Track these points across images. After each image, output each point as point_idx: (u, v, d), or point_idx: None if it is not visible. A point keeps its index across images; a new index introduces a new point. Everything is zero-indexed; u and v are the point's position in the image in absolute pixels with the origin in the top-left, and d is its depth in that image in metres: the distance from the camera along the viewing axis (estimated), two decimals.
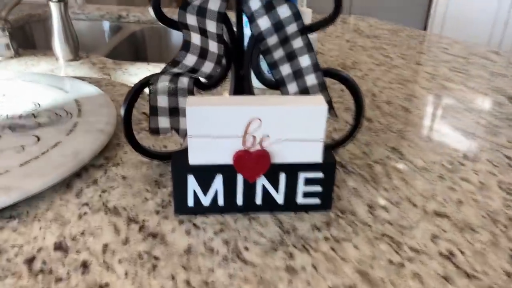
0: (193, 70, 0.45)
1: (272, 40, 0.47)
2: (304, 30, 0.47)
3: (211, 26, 0.46)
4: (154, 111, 0.46)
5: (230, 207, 0.45)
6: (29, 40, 1.10)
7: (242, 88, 0.54)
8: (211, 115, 0.40)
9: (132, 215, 0.45)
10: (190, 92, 0.46)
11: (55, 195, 0.48)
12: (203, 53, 0.44)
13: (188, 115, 0.40)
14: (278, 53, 0.48)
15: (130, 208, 0.46)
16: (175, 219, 0.45)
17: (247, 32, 0.51)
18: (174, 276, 0.38)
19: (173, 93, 0.46)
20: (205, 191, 0.44)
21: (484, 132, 0.64)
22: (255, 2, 0.46)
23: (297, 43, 0.48)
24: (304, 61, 0.48)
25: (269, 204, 0.45)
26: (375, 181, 0.52)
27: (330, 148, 0.50)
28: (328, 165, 0.44)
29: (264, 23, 0.46)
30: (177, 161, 0.43)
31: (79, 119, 0.58)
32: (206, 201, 0.45)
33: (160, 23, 0.45)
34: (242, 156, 0.42)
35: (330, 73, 0.50)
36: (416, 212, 0.47)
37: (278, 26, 0.46)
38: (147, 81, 0.46)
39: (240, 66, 0.53)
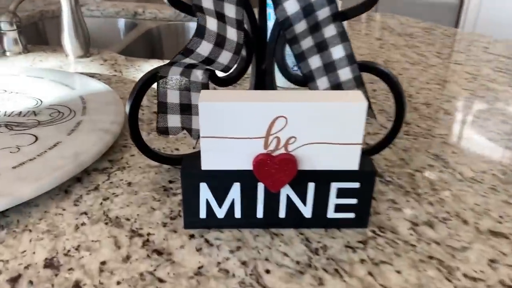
0: (208, 60, 0.38)
1: (300, 26, 0.41)
2: (338, 16, 0.41)
3: (230, 10, 0.39)
4: (163, 108, 0.40)
5: (248, 220, 0.39)
6: (42, 37, 1.06)
7: (263, 85, 0.48)
8: (228, 112, 0.34)
9: (136, 227, 0.39)
10: (205, 87, 0.40)
11: (51, 202, 0.42)
12: (220, 41, 0.38)
13: (201, 111, 0.34)
14: (307, 43, 0.41)
15: (134, 219, 0.40)
16: (184, 234, 0.38)
17: (270, 25, 0.45)
18: None
19: (185, 88, 0.40)
20: (220, 201, 0.38)
21: None
22: None
23: (329, 31, 0.41)
24: (337, 52, 0.41)
25: (295, 219, 0.39)
26: (417, 193, 0.45)
27: (367, 154, 0.43)
28: (366, 174, 0.37)
29: (291, 6, 0.40)
30: (188, 166, 0.37)
31: (83, 117, 0.52)
32: (221, 213, 0.38)
33: (176, 15, 0.39)
34: (263, 161, 0.35)
35: (366, 67, 0.43)
36: (468, 231, 0.40)
37: (308, 10, 0.40)
38: (155, 73, 0.40)
39: (262, 59, 0.46)
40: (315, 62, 0.42)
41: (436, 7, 2.11)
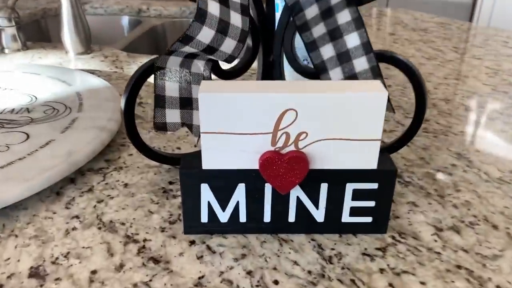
0: (210, 49, 0.35)
1: (312, 11, 0.37)
2: (352, 0, 0.37)
3: None
4: (160, 102, 0.36)
5: (255, 225, 0.35)
6: (44, 35, 1.03)
7: (271, 78, 0.44)
8: (231, 105, 0.30)
9: (131, 232, 0.36)
10: (207, 80, 0.37)
11: (41, 205, 0.39)
12: (223, 27, 0.34)
13: (201, 104, 0.30)
14: (319, 30, 0.38)
15: (130, 223, 0.37)
16: (184, 240, 0.35)
17: (278, 16, 0.41)
18: None
19: (185, 80, 0.37)
20: (223, 204, 0.34)
21: None
22: None
23: (343, 16, 0.37)
24: (352, 40, 0.38)
25: (306, 223, 0.35)
26: (441, 195, 0.41)
27: (386, 152, 0.39)
28: (386, 174, 0.33)
29: None
30: (187, 166, 0.33)
31: (79, 115, 0.49)
32: (224, 217, 0.35)
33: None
34: (271, 160, 0.32)
35: (383, 56, 0.39)
36: (499, 237, 0.36)
37: None
38: (153, 65, 0.36)
39: (269, 50, 0.43)
40: (327, 51, 0.39)
41: (449, 4, 2.06)
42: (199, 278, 0.32)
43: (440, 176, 0.44)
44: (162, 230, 0.36)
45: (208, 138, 0.32)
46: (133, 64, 0.71)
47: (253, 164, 0.33)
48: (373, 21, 0.99)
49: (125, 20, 1.07)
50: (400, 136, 0.42)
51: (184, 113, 0.37)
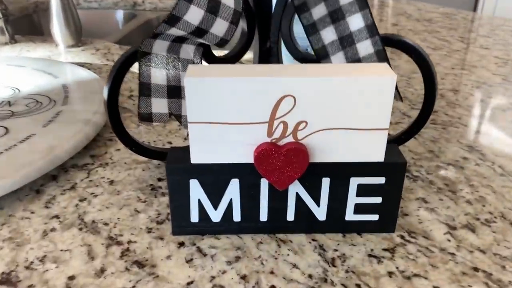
0: (200, 31, 0.32)
1: None
2: None
3: None
4: (145, 90, 0.33)
5: (250, 225, 0.32)
6: (36, 29, 1.00)
7: None
8: (222, 91, 0.27)
9: (115, 233, 0.33)
10: None
11: (18, 204, 0.36)
12: (213, 6, 0.31)
13: (188, 90, 0.27)
14: (319, 11, 0.35)
15: (114, 223, 0.34)
16: (172, 241, 0.32)
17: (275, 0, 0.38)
18: None
19: (173, 67, 0.33)
20: (215, 202, 0.31)
21: None
22: None
23: None
24: (355, 22, 0.34)
25: (306, 222, 0.32)
26: (453, 190, 0.38)
27: (394, 143, 0.36)
28: (394, 167, 0.30)
29: None
30: (175, 160, 0.30)
31: (63, 108, 0.46)
32: (216, 216, 0.32)
33: None
34: (267, 152, 0.29)
35: (390, 40, 0.36)
36: None
37: None
38: (137, 51, 0.33)
39: (266, 35, 0.40)
40: (328, 34, 0.35)
41: None
42: (188, 283, 0.28)
43: (451, 170, 0.40)
44: (149, 231, 0.33)
45: (197, 129, 0.28)
46: None
47: (247, 157, 0.29)
48: (375, 12, 0.96)
49: (119, 14, 1.04)
50: (408, 127, 0.39)
51: (172, 102, 0.34)
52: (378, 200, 0.31)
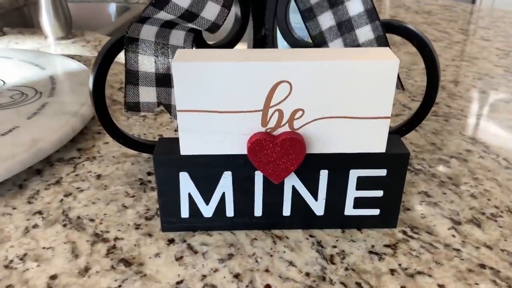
0: (190, 15, 0.30)
1: None
2: None
3: None
4: (132, 78, 0.31)
5: (244, 220, 0.30)
6: (27, 22, 0.98)
7: None
8: (212, 77, 0.25)
9: (101, 229, 0.31)
10: None
11: None
12: None
13: (176, 75, 0.25)
14: None
15: (100, 219, 0.32)
16: (161, 238, 0.30)
17: None
18: None
19: (162, 53, 0.31)
20: (206, 196, 0.29)
21: None
22: None
23: None
24: (354, 6, 0.33)
25: (303, 217, 0.30)
26: (456, 184, 0.36)
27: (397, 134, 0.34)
28: (396, 158, 0.29)
29: None
30: (163, 151, 0.28)
31: (50, 99, 0.44)
32: (208, 211, 0.30)
33: None
34: (261, 143, 0.27)
35: (391, 26, 0.34)
36: None
37: None
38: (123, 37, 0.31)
39: (261, 22, 0.38)
40: (326, 20, 0.34)
41: None
42: (178, 283, 0.27)
43: (454, 162, 0.39)
44: (137, 227, 0.31)
45: (186, 118, 0.27)
46: None
47: (241, 148, 0.28)
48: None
49: (112, 7, 1.01)
50: (409, 118, 0.37)
51: (161, 91, 0.32)
52: (379, 193, 0.30)
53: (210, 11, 0.30)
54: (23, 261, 0.28)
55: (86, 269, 0.28)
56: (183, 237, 0.30)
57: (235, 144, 0.28)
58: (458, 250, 0.29)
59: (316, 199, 0.30)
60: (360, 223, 0.31)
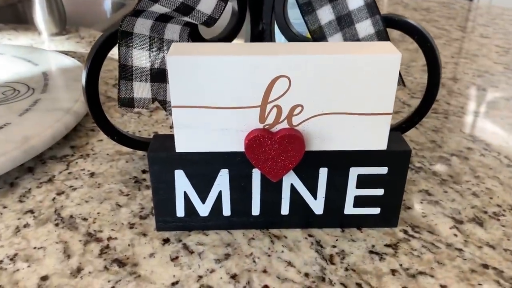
0: (185, 8, 0.29)
1: None
2: None
3: None
4: (126, 73, 0.30)
5: (241, 219, 0.29)
6: (21, 19, 0.96)
7: None
8: (208, 71, 0.25)
9: (94, 229, 0.30)
10: None
11: None
12: None
13: (171, 70, 0.25)
14: None
15: (93, 218, 0.31)
16: (156, 238, 0.29)
17: None
18: None
19: (157, 48, 0.31)
20: (202, 195, 0.28)
21: None
22: None
23: None
24: (354, 0, 0.32)
25: (302, 216, 0.29)
26: (457, 182, 0.35)
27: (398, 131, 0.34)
28: (398, 156, 0.28)
29: None
30: (158, 148, 0.28)
31: (42, 96, 0.43)
32: (204, 210, 0.29)
33: None
34: (259, 140, 0.26)
35: (391, 21, 0.33)
36: None
37: None
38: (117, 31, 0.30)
39: (258, 16, 0.37)
40: (325, 14, 0.33)
41: None
42: (173, 284, 0.26)
43: (455, 160, 0.38)
44: (131, 226, 0.30)
45: (181, 114, 0.26)
46: None
47: (238, 145, 0.27)
48: None
49: (107, 3, 1.00)
50: (410, 115, 0.37)
51: (156, 87, 0.31)
52: (379, 192, 0.29)
53: (207, 4, 0.30)
54: (13, 261, 0.27)
55: (79, 270, 0.27)
56: (178, 236, 0.29)
57: (232, 141, 0.27)
58: (460, 249, 0.29)
59: (315, 197, 0.29)
60: (360, 222, 0.30)
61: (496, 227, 0.31)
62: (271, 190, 0.28)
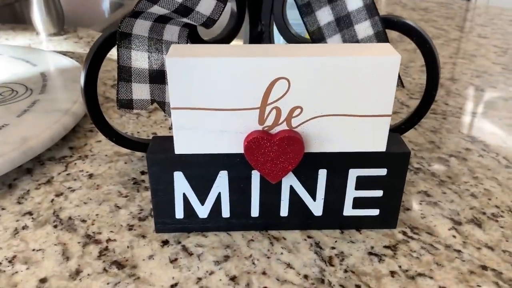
0: (184, 9, 0.29)
1: None
2: None
3: None
4: (125, 74, 0.30)
5: (240, 221, 0.29)
6: (19, 19, 0.96)
7: None
8: (208, 73, 0.25)
9: (93, 230, 0.30)
10: None
11: None
12: None
13: (170, 71, 0.25)
14: None
15: (92, 220, 0.31)
16: (155, 239, 0.29)
17: None
18: None
19: (156, 49, 0.31)
20: (201, 196, 0.28)
21: None
22: None
23: None
24: (353, 1, 0.32)
25: (301, 217, 0.29)
26: (456, 183, 0.35)
27: (397, 132, 0.34)
28: (397, 157, 0.28)
29: None
30: (157, 150, 0.28)
31: (41, 96, 0.43)
32: (203, 212, 0.29)
33: None
34: (259, 141, 0.26)
35: (389, 22, 0.33)
36: None
37: None
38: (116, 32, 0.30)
39: (257, 17, 0.37)
40: (324, 15, 0.33)
41: None
42: (172, 286, 0.26)
43: (453, 161, 0.38)
44: (130, 228, 0.30)
45: (180, 116, 0.26)
46: None
47: (237, 147, 0.27)
48: None
49: (106, 3, 1.00)
50: (409, 116, 0.37)
51: (155, 88, 0.31)
52: (378, 193, 0.29)
53: (206, 6, 0.30)
54: (12, 263, 0.27)
55: (78, 272, 0.27)
56: (177, 238, 0.29)
57: (232, 143, 0.27)
58: (459, 251, 0.29)
59: (314, 199, 0.29)
60: (359, 223, 0.30)
61: (494, 228, 0.31)
62: (270, 191, 0.28)
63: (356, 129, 0.27)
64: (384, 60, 0.24)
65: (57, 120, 0.38)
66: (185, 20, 0.30)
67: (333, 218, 0.30)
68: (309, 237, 0.30)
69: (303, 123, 0.26)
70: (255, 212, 0.29)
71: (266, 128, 0.26)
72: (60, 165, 0.37)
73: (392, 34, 0.38)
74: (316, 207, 0.29)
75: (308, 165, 0.27)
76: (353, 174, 0.28)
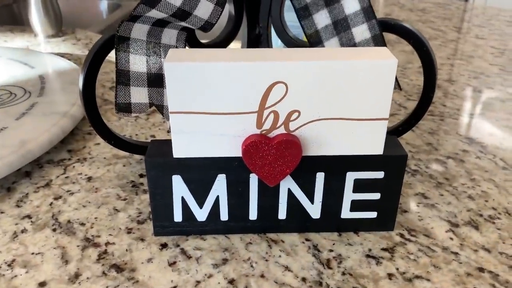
0: (182, 13, 0.29)
1: None
2: None
3: None
4: (123, 78, 0.30)
5: (238, 224, 0.30)
6: (17, 20, 0.96)
7: None
8: (205, 77, 0.25)
9: (92, 234, 0.30)
10: None
11: None
12: None
13: (168, 76, 0.25)
14: None
15: (91, 223, 0.31)
16: (154, 243, 0.29)
17: None
18: None
19: (154, 53, 0.31)
20: (200, 200, 0.29)
21: None
22: None
23: None
24: (351, 4, 0.32)
25: (299, 220, 0.30)
26: (453, 185, 0.36)
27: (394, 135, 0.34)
28: (394, 160, 0.28)
29: None
30: (155, 154, 0.28)
31: (39, 99, 0.43)
32: (201, 215, 0.29)
33: None
34: (256, 145, 0.26)
35: (386, 25, 0.34)
36: None
37: None
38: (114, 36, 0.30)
39: (255, 20, 0.37)
40: (322, 18, 0.33)
41: None
42: None
43: (451, 163, 0.38)
44: (129, 231, 0.30)
45: (179, 120, 0.26)
46: None
47: (235, 150, 0.27)
48: None
49: (104, 4, 1.00)
50: (406, 118, 0.37)
51: (153, 92, 0.31)
52: (376, 196, 0.29)
53: (203, 9, 0.30)
54: (11, 267, 0.27)
55: (77, 276, 0.27)
56: (176, 241, 0.29)
57: (230, 147, 0.27)
58: (456, 253, 0.29)
59: (312, 202, 0.29)
60: (357, 226, 0.30)
61: (491, 230, 0.31)
62: (268, 195, 0.29)
63: (353, 133, 0.27)
64: (381, 64, 0.25)
65: (55, 123, 0.38)
66: (183, 24, 0.30)
67: (331, 221, 0.30)
68: (307, 239, 0.30)
69: (300, 126, 0.26)
70: (253, 215, 0.29)
71: (264, 132, 0.27)
72: (58, 168, 0.37)
73: (389, 35, 0.39)
74: (314, 210, 0.29)
75: (306, 168, 0.28)
76: (351, 177, 0.28)
